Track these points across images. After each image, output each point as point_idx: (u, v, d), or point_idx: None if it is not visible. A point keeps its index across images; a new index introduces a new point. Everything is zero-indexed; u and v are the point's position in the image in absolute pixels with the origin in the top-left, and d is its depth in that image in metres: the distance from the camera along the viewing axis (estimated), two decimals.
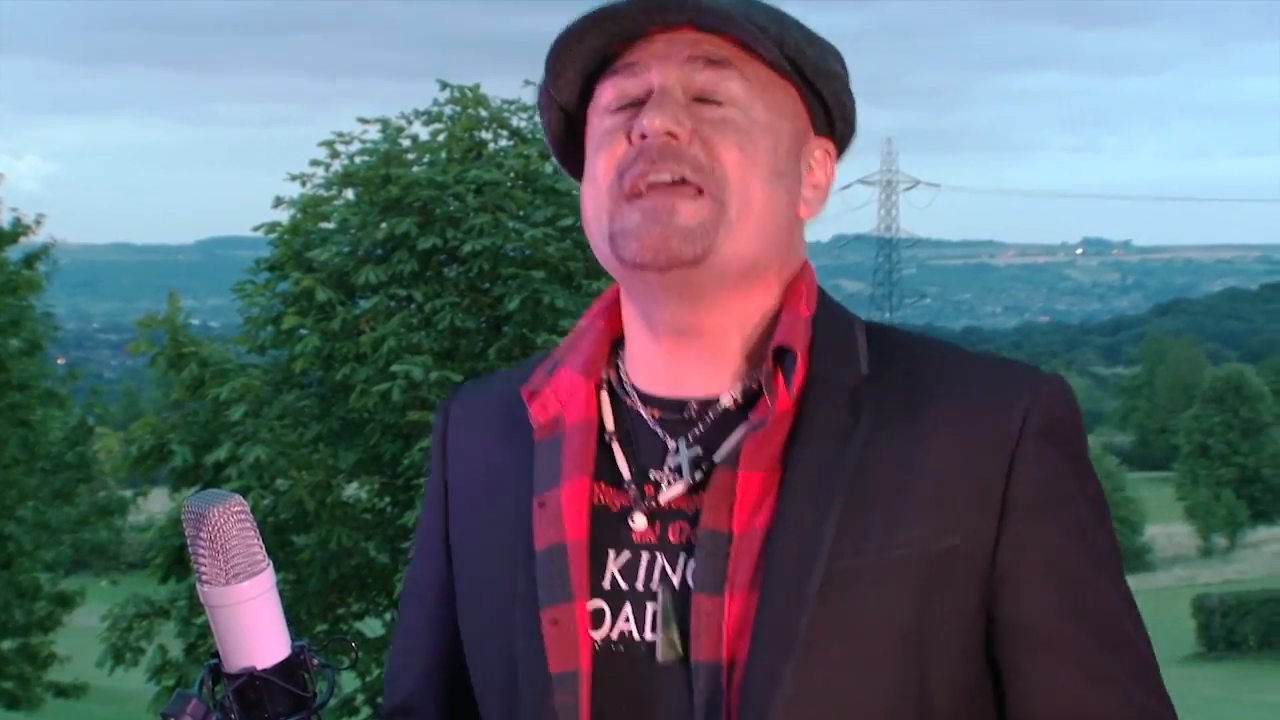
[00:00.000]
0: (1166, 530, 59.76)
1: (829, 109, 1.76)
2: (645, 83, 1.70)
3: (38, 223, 21.49)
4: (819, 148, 1.77)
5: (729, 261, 1.67)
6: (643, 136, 1.67)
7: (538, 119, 2.45)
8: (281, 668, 1.65)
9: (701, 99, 1.69)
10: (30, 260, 21.32)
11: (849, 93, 1.78)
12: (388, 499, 14.30)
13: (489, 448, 1.81)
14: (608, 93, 1.72)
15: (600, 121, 1.73)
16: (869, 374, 1.70)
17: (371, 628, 14.48)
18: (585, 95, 1.76)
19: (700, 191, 1.67)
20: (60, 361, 25.39)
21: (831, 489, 1.64)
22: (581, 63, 1.73)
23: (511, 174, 14.16)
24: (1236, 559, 55.08)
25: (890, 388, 1.69)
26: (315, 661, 1.68)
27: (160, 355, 14.10)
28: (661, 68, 1.69)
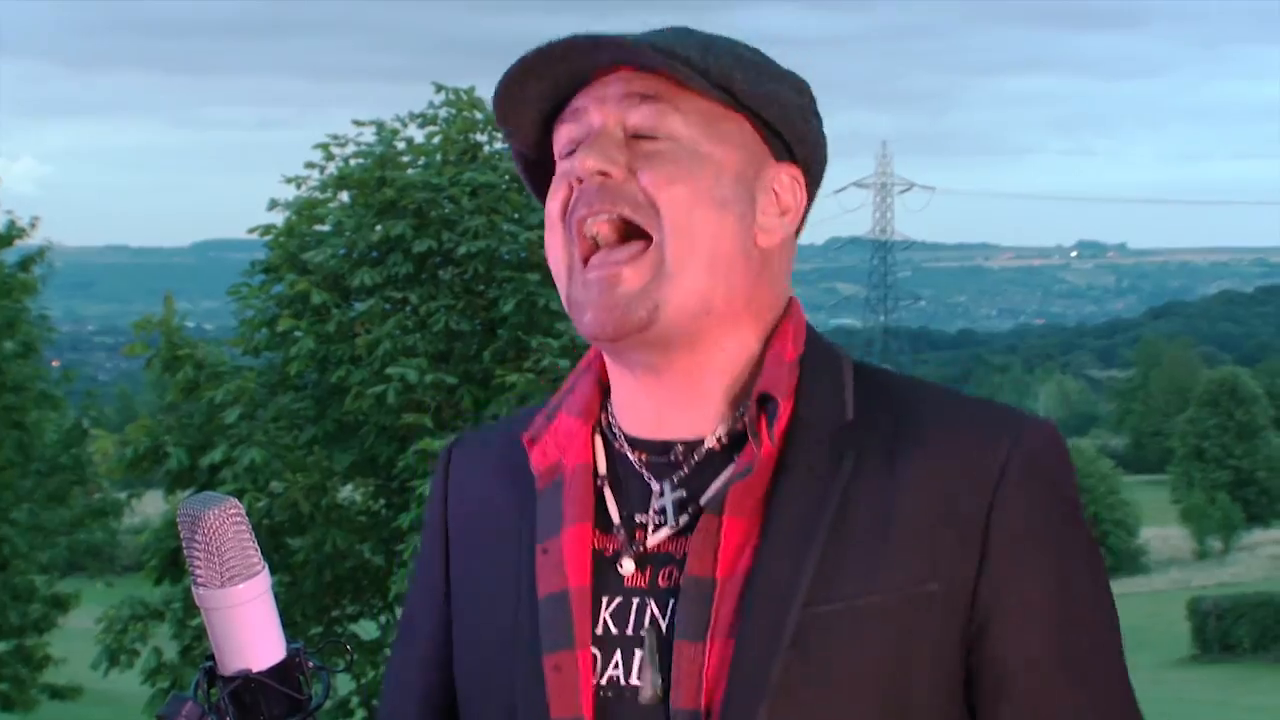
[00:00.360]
0: (1161, 533, 59.75)
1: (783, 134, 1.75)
2: (586, 125, 1.72)
3: (33, 225, 21.51)
4: (783, 173, 1.75)
5: (679, 310, 1.68)
6: (579, 180, 1.70)
7: None
8: (277, 670, 1.65)
9: (639, 135, 1.71)
10: (25, 263, 21.30)
11: (805, 116, 1.76)
12: (383, 501, 14.30)
13: (491, 492, 1.81)
14: (560, 139, 1.75)
15: (557, 166, 1.76)
16: (855, 418, 1.70)
17: (367, 630, 14.47)
18: (550, 136, 1.78)
19: (647, 243, 1.68)
20: (55, 364, 25.36)
21: (811, 535, 1.64)
22: (532, 109, 1.75)
23: (506, 176, 14.16)
24: (1231, 562, 55.03)
25: (875, 431, 1.68)
26: (310, 664, 1.68)
27: (155, 358, 14.09)
28: (599, 109, 1.72)
